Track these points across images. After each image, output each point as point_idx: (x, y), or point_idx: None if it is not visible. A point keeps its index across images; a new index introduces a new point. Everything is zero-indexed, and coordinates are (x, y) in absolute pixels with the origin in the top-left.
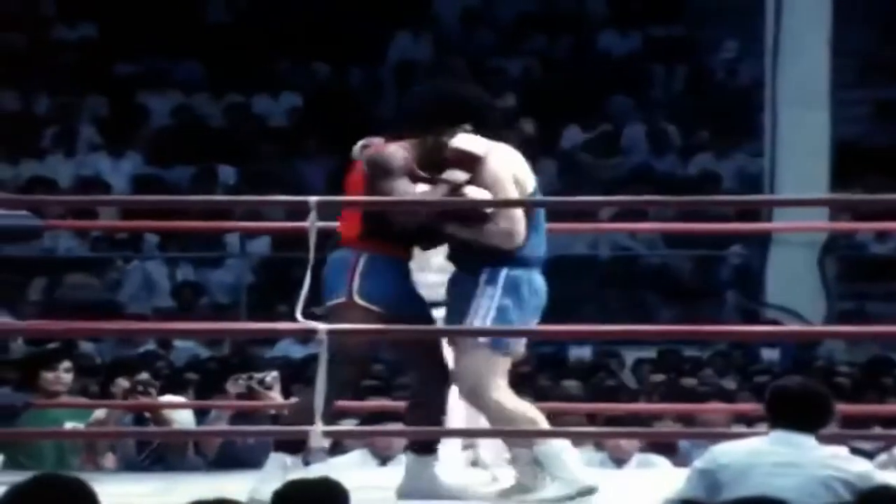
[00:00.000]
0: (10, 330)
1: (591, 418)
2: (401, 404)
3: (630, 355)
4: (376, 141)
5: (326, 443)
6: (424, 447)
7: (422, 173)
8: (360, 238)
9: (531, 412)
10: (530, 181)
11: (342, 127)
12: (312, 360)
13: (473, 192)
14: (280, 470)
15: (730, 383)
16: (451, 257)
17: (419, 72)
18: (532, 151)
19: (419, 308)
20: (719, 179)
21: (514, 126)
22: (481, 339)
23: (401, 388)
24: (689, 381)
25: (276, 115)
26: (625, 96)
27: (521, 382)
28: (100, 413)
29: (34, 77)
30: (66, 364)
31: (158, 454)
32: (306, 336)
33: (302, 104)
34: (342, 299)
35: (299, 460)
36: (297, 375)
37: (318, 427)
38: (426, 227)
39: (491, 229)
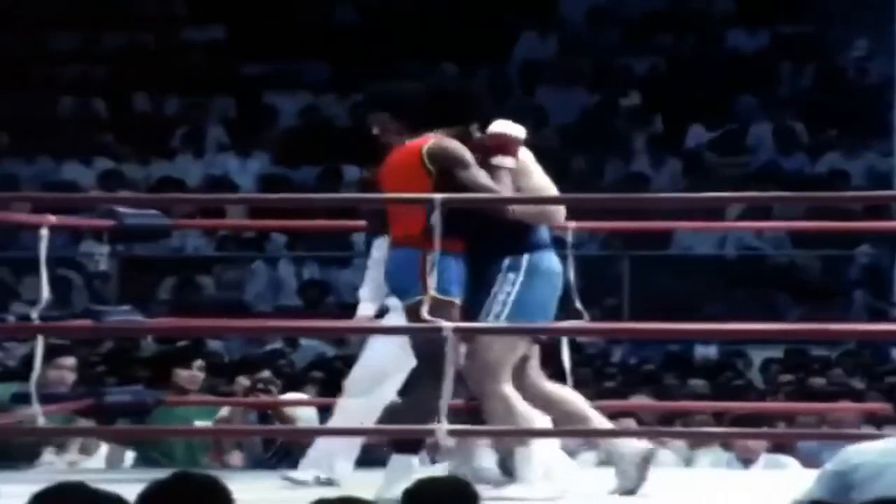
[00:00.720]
0: (140, 329)
1: (718, 418)
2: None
3: (757, 355)
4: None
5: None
6: (406, 445)
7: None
8: (423, 234)
9: (529, 410)
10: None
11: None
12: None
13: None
14: (405, 470)
15: (858, 383)
16: (471, 246)
17: (545, 71)
18: (658, 150)
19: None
20: (848, 178)
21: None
22: (490, 321)
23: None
24: (817, 381)
25: None
26: (752, 94)
27: (645, 381)
28: (224, 411)
29: (164, 78)
30: (200, 363)
31: (284, 452)
32: (431, 334)
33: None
34: (419, 297)
35: (426, 459)
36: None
37: (444, 426)
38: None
39: (533, 211)
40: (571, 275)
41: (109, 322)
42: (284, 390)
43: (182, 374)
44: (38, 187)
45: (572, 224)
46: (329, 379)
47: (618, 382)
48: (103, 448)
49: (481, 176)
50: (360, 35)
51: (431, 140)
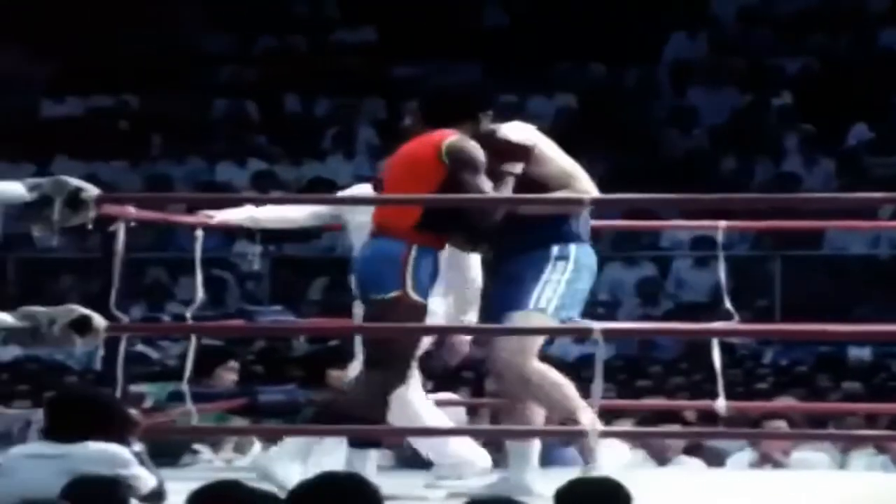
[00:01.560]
0: (292, 329)
1: (872, 420)
2: (676, 403)
3: None
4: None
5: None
6: (362, 440)
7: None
8: (415, 228)
9: (567, 387)
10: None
11: (618, 126)
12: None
13: None
14: (362, 462)
15: None
16: (510, 236)
17: (695, 71)
18: (810, 150)
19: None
20: None
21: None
22: (542, 306)
23: (678, 388)
24: None
25: (548, 116)
26: None
27: (797, 383)
28: None
29: (315, 79)
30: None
31: None
32: (582, 335)
33: (576, 104)
34: (395, 293)
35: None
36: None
37: (596, 427)
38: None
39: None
40: (722, 275)
41: (261, 322)
42: (435, 390)
43: (334, 375)
44: (191, 188)
45: (722, 224)
46: (479, 379)
47: (769, 384)
48: (257, 446)
49: (486, 185)
50: (510, 36)
51: (454, 136)
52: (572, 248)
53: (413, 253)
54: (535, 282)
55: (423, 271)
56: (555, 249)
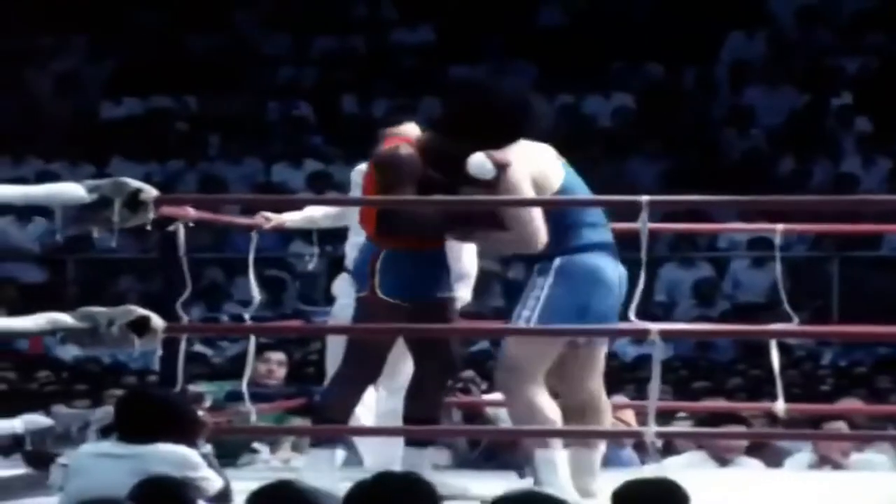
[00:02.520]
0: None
1: None
2: (734, 405)
3: None
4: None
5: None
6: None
7: (436, 175)
8: (374, 235)
9: (553, 415)
10: (556, 178)
11: (675, 127)
12: (644, 360)
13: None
14: (328, 462)
15: None
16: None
17: (753, 71)
18: (868, 150)
19: (439, 293)
20: None
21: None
22: (531, 326)
23: (736, 389)
24: None
25: (605, 116)
26: None
27: (857, 384)
28: None
29: (373, 80)
30: None
31: (489, 452)
32: (639, 336)
33: (633, 104)
34: (365, 293)
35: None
36: (626, 376)
37: (652, 428)
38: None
39: (505, 238)
40: (779, 276)
41: (318, 322)
42: (488, 391)
43: None
44: (248, 189)
45: (780, 227)
46: None
47: (829, 385)
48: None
49: (404, 194)
50: (567, 36)
51: (385, 149)
52: (555, 262)
53: (381, 255)
54: (519, 304)
55: (395, 272)
56: (536, 267)
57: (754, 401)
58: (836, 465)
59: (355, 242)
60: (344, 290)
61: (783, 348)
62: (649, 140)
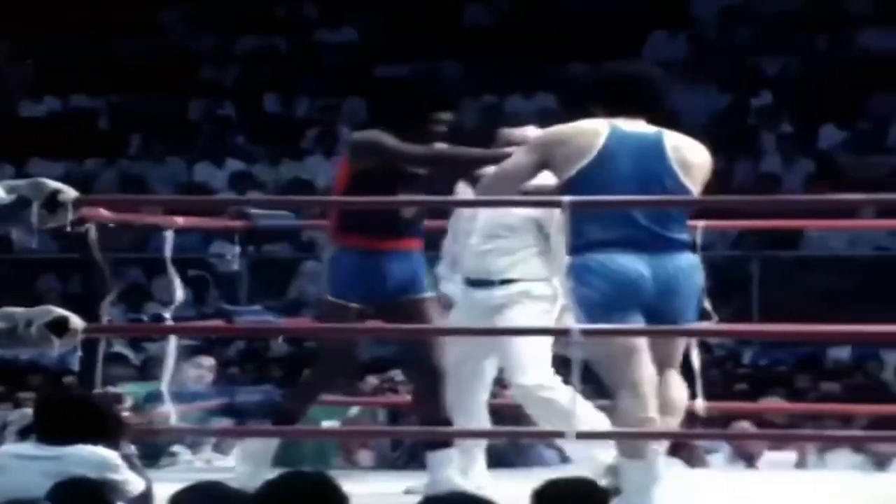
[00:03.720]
0: (270, 329)
1: (850, 421)
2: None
3: (892, 357)
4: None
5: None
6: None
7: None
8: (335, 232)
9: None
10: (581, 154)
11: None
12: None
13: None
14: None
15: None
16: None
17: (676, 71)
18: (789, 150)
19: (395, 295)
20: None
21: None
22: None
23: None
24: None
25: (528, 115)
26: (887, 95)
27: (777, 383)
28: (353, 411)
29: (296, 80)
30: None
31: (412, 452)
32: (560, 336)
33: (556, 104)
34: (325, 296)
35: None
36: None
37: (574, 428)
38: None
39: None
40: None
41: (240, 322)
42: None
43: None
44: (170, 189)
45: (701, 224)
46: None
47: (748, 384)
48: (238, 447)
49: (392, 141)
50: (491, 35)
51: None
52: (571, 262)
53: (333, 255)
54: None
55: (343, 272)
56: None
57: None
58: (752, 464)
59: (479, 250)
60: (454, 291)
61: (704, 347)
62: None
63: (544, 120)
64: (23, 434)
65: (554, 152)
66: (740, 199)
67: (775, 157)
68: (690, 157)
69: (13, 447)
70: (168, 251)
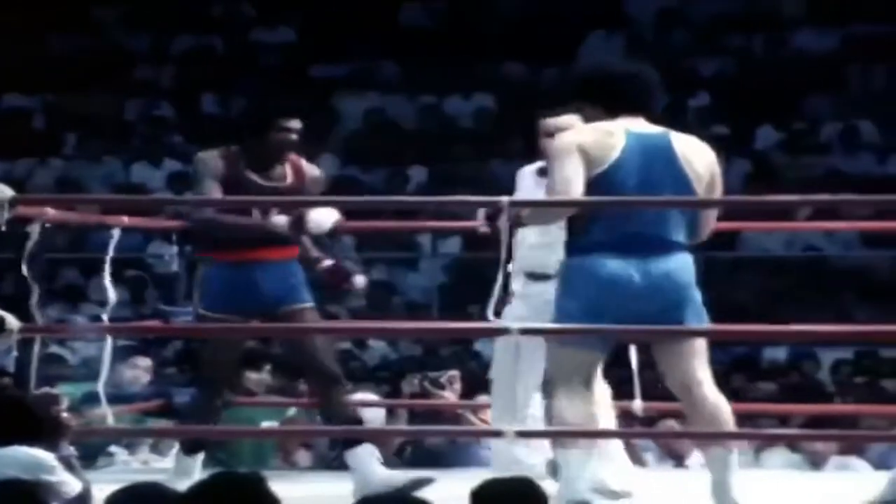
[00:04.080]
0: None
1: (786, 420)
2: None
3: (827, 357)
4: None
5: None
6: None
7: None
8: (205, 247)
9: (575, 418)
10: (605, 157)
11: (535, 127)
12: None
13: None
14: (189, 470)
15: None
16: None
17: None
18: (724, 151)
19: (271, 306)
20: None
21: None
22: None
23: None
24: (888, 384)
25: (466, 116)
26: (821, 95)
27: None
28: (292, 412)
29: (233, 79)
30: (268, 366)
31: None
32: (498, 336)
33: (494, 104)
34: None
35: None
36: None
37: (513, 427)
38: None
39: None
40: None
41: (177, 323)
42: (354, 391)
43: (252, 377)
44: (107, 189)
45: None
46: (395, 380)
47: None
48: (175, 448)
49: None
50: (429, 36)
51: None
52: (564, 263)
53: (205, 270)
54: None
55: (214, 285)
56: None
57: (614, 400)
58: (682, 463)
59: (535, 243)
60: (518, 291)
61: (642, 348)
62: (511, 140)
63: (481, 120)
64: None
65: (587, 156)
66: (677, 199)
67: None
68: (697, 158)
69: None
70: (111, 250)
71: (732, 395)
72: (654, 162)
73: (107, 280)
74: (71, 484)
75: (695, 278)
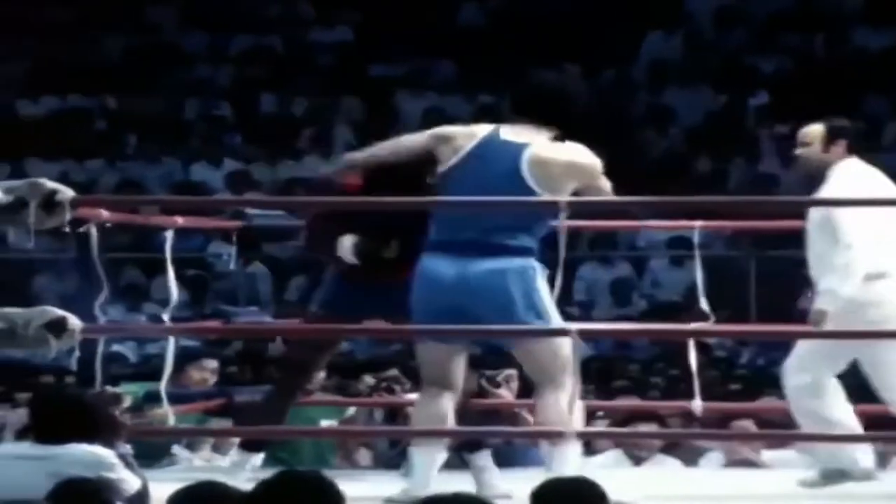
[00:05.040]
0: (268, 329)
1: None
2: (652, 404)
3: None
4: None
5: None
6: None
7: None
8: None
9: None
10: (452, 153)
11: (594, 127)
12: None
13: None
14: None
15: None
16: None
17: (671, 71)
18: (787, 150)
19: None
20: None
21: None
22: None
23: (654, 388)
24: None
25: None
26: (882, 93)
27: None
28: (351, 411)
29: (292, 79)
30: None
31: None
32: (558, 335)
33: None
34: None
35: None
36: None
37: (573, 428)
38: None
39: None
40: (698, 275)
41: (238, 323)
42: (414, 390)
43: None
44: (166, 189)
45: (698, 224)
46: None
47: (745, 385)
48: (236, 447)
49: None
50: (486, 36)
51: None
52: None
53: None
54: None
55: (329, 289)
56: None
57: (672, 399)
58: (750, 463)
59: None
60: None
61: (701, 347)
62: (568, 140)
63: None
64: (21, 434)
65: (439, 147)
66: (737, 199)
67: (772, 157)
68: (548, 165)
69: (10, 447)
70: (168, 251)
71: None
72: (495, 166)
73: (170, 280)
74: (130, 481)
75: (531, 281)
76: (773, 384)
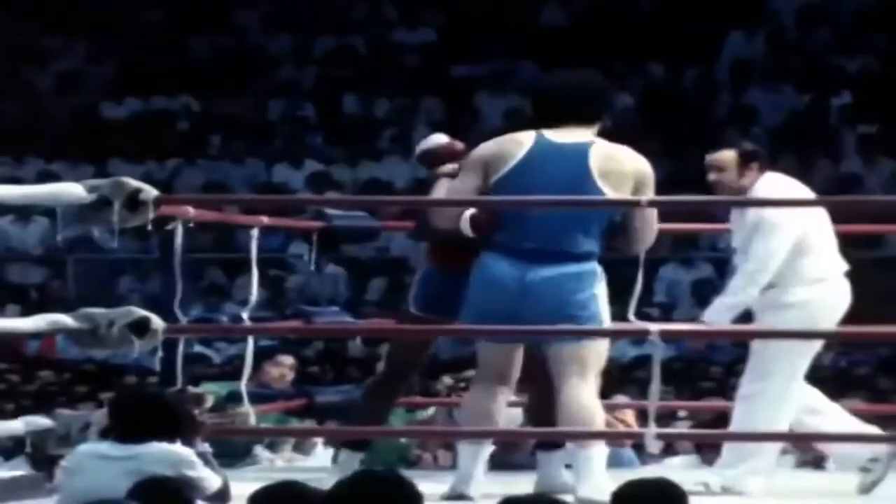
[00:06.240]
0: (348, 329)
1: None
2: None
3: None
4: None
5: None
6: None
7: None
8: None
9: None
10: (503, 163)
11: (676, 127)
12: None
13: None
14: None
15: None
16: None
17: (754, 71)
18: (870, 150)
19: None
20: None
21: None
22: None
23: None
24: None
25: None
26: None
27: (858, 385)
28: (430, 411)
29: (374, 80)
30: None
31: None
32: (640, 336)
33: (634, 104)
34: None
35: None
36: (626, 376)
37: (653, 429)
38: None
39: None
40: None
41: (318, 323)
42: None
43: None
44: (249, 189)
45: None
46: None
47: (829, 386)
48: (319, 447)
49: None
50: (569, 36)
51: None
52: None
53: (423, 269)
54: None
55: (425, 288)
56: None
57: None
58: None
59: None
60: None
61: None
62: (650, 140)
63: (622, 120)
64: (103, 434)
65: (488, 168)
66: (820, 199)
67: (856, 158)
68: (617, 168)
69: (91, 447)
70: (254, 250)
71: (879, 396)
72: (560, 169)
73: (254, 280)
74: (211, 479)
75: (589, 287)
76: (857, 386)
